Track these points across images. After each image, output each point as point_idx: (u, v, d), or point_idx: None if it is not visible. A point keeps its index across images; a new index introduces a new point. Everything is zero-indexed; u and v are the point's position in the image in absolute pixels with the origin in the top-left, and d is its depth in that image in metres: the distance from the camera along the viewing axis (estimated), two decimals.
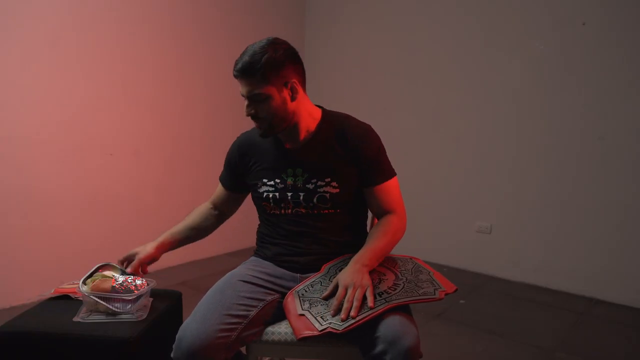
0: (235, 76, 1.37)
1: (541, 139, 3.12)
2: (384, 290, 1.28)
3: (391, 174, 1.47)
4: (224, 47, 3.59)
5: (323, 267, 1.42)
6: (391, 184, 1.46)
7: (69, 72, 2.79)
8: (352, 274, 1.28)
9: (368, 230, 1.60)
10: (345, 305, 1.22)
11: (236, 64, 1.36)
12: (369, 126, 1.49)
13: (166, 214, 3.35)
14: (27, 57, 2.61)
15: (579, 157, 3.00)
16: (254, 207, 1.59)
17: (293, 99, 1.39)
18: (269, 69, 1.33)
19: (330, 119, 1.48)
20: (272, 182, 1.47)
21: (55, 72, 2.73)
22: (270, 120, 1.38)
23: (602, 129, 2.91)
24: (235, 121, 3.69)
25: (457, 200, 3.51)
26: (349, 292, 1.24)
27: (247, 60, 1.33)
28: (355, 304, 1.21)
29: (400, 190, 1.49)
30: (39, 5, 2.62)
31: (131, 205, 3.14)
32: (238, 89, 1.41)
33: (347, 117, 1.50)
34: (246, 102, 1.38)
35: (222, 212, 1.67)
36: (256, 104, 1.37)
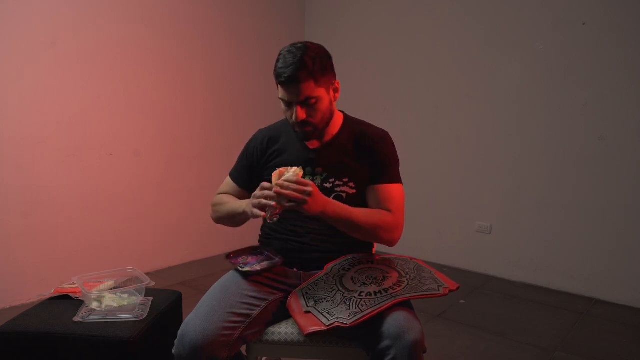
0: (284, 83, 1.35)
1: (541, 139, 3.12)
2: (390, 287, 1.29)
3: (397, 180, 1.48)
4: (224, 47, 3.59)
5: (326, 267, 1.42)
6: (395, 188, 1.46)
7: (69, 72, 2.79)
8: (318, 197, 1.28)
9: None
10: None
11: (281, 73, 1.34)
12: (387, 132, 1.53)
13: (166, 214, 3.35)
14: (27, 57, 2.61)
15: (579, 157, 3.00)
16: None
17: (335, 99, 1.45)
18: (320, 72, 1.36)
19: (351, 123, 1.53)
20: None
21: (55, 72, 2.73)
22: (318, 123, 1.41)
23: (602, 129, 2.91)
24: (236, 121, 3.70)
25: (457, 200, 3.51)
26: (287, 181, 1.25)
27: (297, 66, 1.32)
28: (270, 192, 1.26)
29: (404, 202, 1.48)
30: (39, 5, 2.62)
31: (131, 205, 3.14)
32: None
33: (367, 123, 1.56)
34: (295, 108, 1.37)
35: None
36: (307, 108, 1.38)
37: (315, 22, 4.16)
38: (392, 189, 1.45)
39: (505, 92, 3.24)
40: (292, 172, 1.29)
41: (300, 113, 1.37)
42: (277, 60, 1.37)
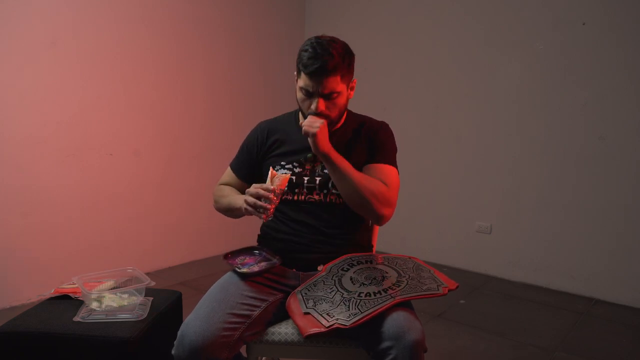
0: (312, 73, 1.36)
1: (541, 139, 3.12)
2: (389, 287, 1.29)
3: (393, 163, 1.49)
4: (224, 47, 3.59)
5: (325, 267, 1.42)
6: (390, 168, 1.47)
7: (68, 72, 2.79)
8: (326, 135, 1.37)
9: (371, 231, 1.61)
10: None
11: (311, 63, 1.35)
12: (387, 123, 1.58)
13: (166, 214, 3.35)
14: (27, 57, 2.61)
15: (579, 157, 3.00)
16: None
17: (350, 96, 1.49)
18: (347, 68, 1.40)
19: (353, 116, 1.58)
20: (289, 166, 1.49)
21: (55, 72, 2.73)
22: (334, 117, 1.45)
23: (602, 129, 2.91)
24: (236, 121, 3.70)
25: (457, 200, 3.51)
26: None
27: (329, 59, 1.35)
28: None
29: (398, 184, 1.46)
30: (39, 5, 2.62)
31: (131, 205, 3.14)
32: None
33: (368, 117, 1.61)
34: (317, 99, 1.39)
35: None
36: (328, 101, 1.41)
37: (315, 22, 4.16)
38: (387, 168, 1.46)
39: (505, 92, 3.24)
40: (281, 176, 1.36)
41: (321, 104, 1.39)
42: (304, 50, 1.39)
